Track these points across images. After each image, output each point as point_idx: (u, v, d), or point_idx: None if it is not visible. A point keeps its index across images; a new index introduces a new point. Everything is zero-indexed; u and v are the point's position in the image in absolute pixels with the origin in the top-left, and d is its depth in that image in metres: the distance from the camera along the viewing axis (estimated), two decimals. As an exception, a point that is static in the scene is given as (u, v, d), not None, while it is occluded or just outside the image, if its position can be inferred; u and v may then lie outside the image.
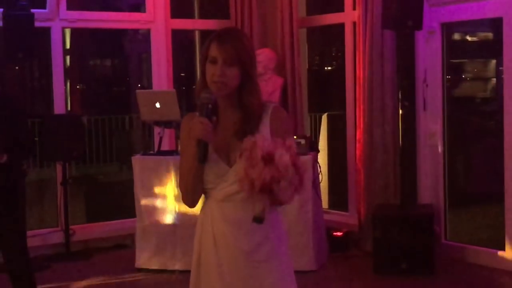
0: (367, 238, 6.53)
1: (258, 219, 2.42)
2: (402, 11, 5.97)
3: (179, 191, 2.71)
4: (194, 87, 9.80)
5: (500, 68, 6.68)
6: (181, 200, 2.72)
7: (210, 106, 2.58)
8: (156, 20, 7.52)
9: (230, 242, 2.59)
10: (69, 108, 9.80)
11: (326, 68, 10.97)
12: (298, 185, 2.37)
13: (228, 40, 2.61)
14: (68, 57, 10.15)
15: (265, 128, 2.63)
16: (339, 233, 6.85)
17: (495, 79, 9.31)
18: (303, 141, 6.08)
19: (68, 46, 9.95)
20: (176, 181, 2.74)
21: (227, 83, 2.59)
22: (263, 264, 2.62)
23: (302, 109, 7.45)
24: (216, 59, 2.58)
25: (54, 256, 6.76)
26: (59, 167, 6.97)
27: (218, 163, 2.59)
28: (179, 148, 6.25)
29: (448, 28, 6.71)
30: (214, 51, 2.59)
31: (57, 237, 6.93)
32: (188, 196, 2.66)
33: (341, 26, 7.28)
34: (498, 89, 8.68)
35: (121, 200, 7.59)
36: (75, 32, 9.95)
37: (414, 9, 6.00)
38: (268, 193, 2.33)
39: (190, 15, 8.50)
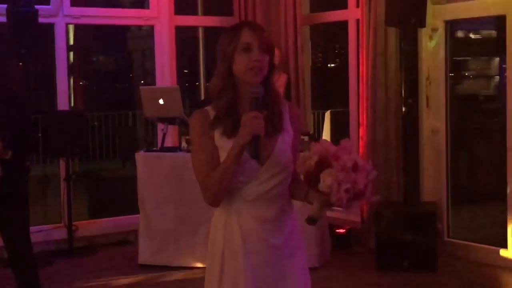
0: (369, 235, 6.53)
1: (313, 220, 2.44)
2: (405, 8, 5.97)
3: (206, 189, 2.54)
4: (197, 83, 9.85)
5: (503, 66, 6.67)
6: (205, 199, 2.57)
7: (260, 100, 2.49)
8: (159, 16, 7.53)
9: (261, 238, 2.57)
10: (72, 104, 9.81)
11: (329, 65, 10.98)
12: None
13: (259, 27, 2.59)
14: (71, 54, 10.16)
15: (287, 125, 2.62)
16: (341, 230, 6.86)
17: (498, 77, 9.30)
18: (306, 138, 6.08)
19: (71, 42, 9.97)
20: (199, 179, 2.55)
21: (263, 69, 2.54)
22: (288, 260, 2.63)
23: (305, 106, 7.46)
24: (250, 45, 2.52)
25: (57, 252, 6.78)
26: (62, 163, 6.99)
27: (248, 161, 2.49)
28: (183, 145, 6.25)
29: (451, 25, 6.70)
30: (247, 37, 2.53)
31: (60, 233, 6.94)
32: (219, 195, 2.54)
33: (345, 24, 7.28)
34: (501, 87, 8.68)
35: (124, 197, 7.61)
36: (78, 29, 9.96)
37: (418, 7, 6.01)
38: (359, 199, 2.36)
39: (193, 12, 8.50)
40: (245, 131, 2.43)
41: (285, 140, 2.60)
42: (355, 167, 2.34)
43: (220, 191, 2.52)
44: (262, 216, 2.57)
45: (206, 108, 2.61)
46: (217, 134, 2.56)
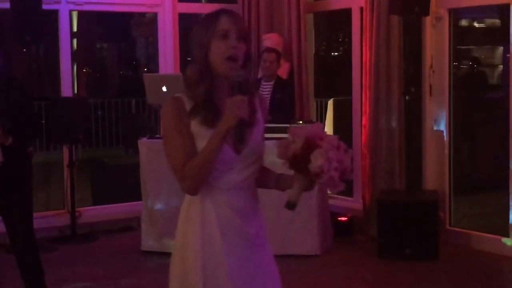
0: (371, 223, 6.55)
1: (292, 205, 2.46)
2: (409, -4, 5.96)
3: (185, 177, 2.47)
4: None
5: (508, 55, 6.66)
6: (183, 188, 2.51)
7: (244, 84, 2.44)
8: (163, 3, 7.53)
9: (237, 227, 2.56)
10: (75, 92, 9.81)
11: (332, 53, 10.97)
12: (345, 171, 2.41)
13: (237, 15, 2.57)
14: (75, 40, 10.15)
15: (259, 115, 2.61)
16: (344, 218, 6.88)
17: (501, 66, 9.29)
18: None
19: (75, 29, 9.96)
20: (176, 167, 2.48)
21: (240, 59, 2.50)
22: (260, 248, 2.65)
23: (308, 94, 7.45)
24: (228, 32, 2.49)
25: (60, 238, 6.81)
26: (65, 150, 7.00)
27: (226, 150, 2.47)
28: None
29: (455, 14, 6.69)
30: (225, 24, 2.49)
31: (63, 219, 6.97)
32: (199, 182, 2.48)
33: (348, 11, 7.27)
34: (505, 76, 8.67)
35: (127, 183, 7.62)
36: (82, 15, 9.95)
37: (422, -5, 6.00)
38: (345, 177, 2.39)
39: (197, -1, 8.48)
40: (230, 115, 2.38)
41: (259, 130, 2.59)
42: (339, 146, 2.38)
43: (200, 178, 2.47)
44: (238, 205, 2.56)
45: (178, 95, 2.56)
46: (194, 122, 2.50)
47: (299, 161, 2.37)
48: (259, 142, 2.59)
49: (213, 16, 2.52)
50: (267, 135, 2.68)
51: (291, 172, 2.48)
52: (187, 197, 2.58)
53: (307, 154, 2.35)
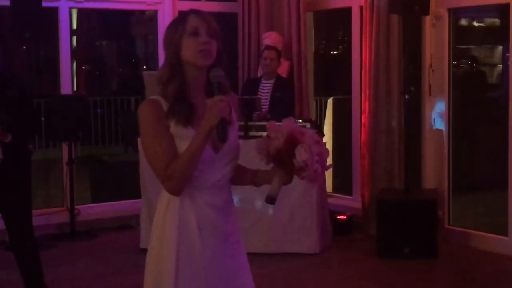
0: (370, 222, 6.56)
1: (272, 199, 2.52)
2: (409, -5, 5.97)
3: (168, 178, 2.49)
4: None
5: (507, 54, 6.67)
6: (168, 188, 2.53)
7: (223, 83, 2.52)
8: (163, 1, 7.52)
9: (215, 225, 2.59)
10: (74, 89, 9.81)
11: (332, 52, 10.96)
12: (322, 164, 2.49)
13: (206, 14, 2.61)
14: (74, 38, 10.14)
15: (233, 114, 2.63)
16: (343, 217, 6.88)
17: (501, 65, 9.29)
18: (308, 125, 6.09)
19: (74, 27, 9.95)
20: (159, 170, 2.50)
21: (212, 52, 2.55)
22: (236, 245, 2.69)
23: (307, 92, 7.46)
24: (198, 29, 2.54)
25: (59, 236, 6.81)
26: (65, 147, 7.00)
27: (205, 149, 2.50)
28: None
29: (454, 13, 6.69)
30: (194, 21, 2.54)
31: (62, 217, 6.97)
32: (183, 183, 2.51)
33: (348, 10, 7.27)
34: (504, 75, 8.67)
35: (126, 181, 7.62)
36: (81, 13, 9.94)
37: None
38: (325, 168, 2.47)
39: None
40: (212, 114, 2.42)
41: (234, 128, 2.63)
42: (318, 140, 2.47)
43: (185, 178, 2.50)
44: (215, 203, 2.60)
45: (154, 97, 2.58)
46: (172, 123, 2.53)
47: (283, 156, 2.45)
48: (235, 140, 2.64)
49: (183, 16, 2.58)
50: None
51: (268, 167, 2.57)
52: (166, 194, 2.59)
53: (290, 149, 2.43)
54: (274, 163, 2.50)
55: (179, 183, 2.50)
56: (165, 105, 2.54)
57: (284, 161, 2.46)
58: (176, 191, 2.53)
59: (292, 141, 2.44)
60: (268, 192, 2.53)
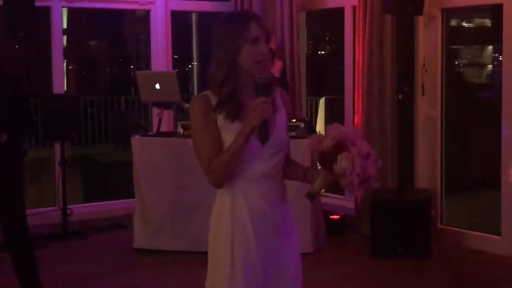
0: (364, 221, 6.57)
1: (311, 196, 2.66)
2: (402, -4, 5.98)
3: (211, 171, 2.64)
4: (187, 69, 9.81)
5: (496, 54, 6.70)
6: (210, 181, 2.67)
7: (268, 86, 2.63)
8: (156, 1, 7.51)
9: (268, 216, 2.70)
10: (65, 89, 9.78)
11: (325, 52, 10.98)
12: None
13: (262, 19, 2.72)
14: (65, 37, 10.11)
15: (281, 106, 2.77)
16: (336, 216, 6.89)
17: (491, 66, 9.33)
18: (302, 125, 6.10)
19: (65, 26, 9.91)
20: (204, 162, 2.67)
21: (268, 64, 2.72)
22: (288, 236, 2.78)
23: (300, 92, 7.46)
24: (259, 38, 2.64)
25: (52, 236, 6.78)
26: (57, 147, 6.98)
27: (252, 141, 2.62)
28: (179, 130, 6.22)
29: (447, 14, 6.71)
30: (256, 30, 2.64)
31: (54, 217, 6.93)
32: (223, 176, 2.65)
33: (341, 10, 7.28)
34: (495, 75, 8.71)
35: (119, 181, 7.61)
36: (72, 12, 9.91)
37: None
38: (365, 184, 2.52)
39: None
40: (255, 115, 2.55)
41: (282, 120, 2.75)
42: (368, 155, 2.51)
43: (226, 173, 2.64)
44: (267, 194, 2.71)
45: (205, 92, 2.72)
46: (220, 117, 2.66)
47: (326, 158, 2.53)
48: (283, 132, 2.74)
49: (242, 21, 2.66)
50: None
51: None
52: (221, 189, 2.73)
53: (335, 154, 2.50)
54: (319, 162, 2.60)
55: (220, 177, 2.64)
56: (213, 100, 2.67)
57: (327, 163, 2.54)
58: (217, 184, 2.68)
59: (341, 148, 2.51)
60: (310, 189, 2.66)
